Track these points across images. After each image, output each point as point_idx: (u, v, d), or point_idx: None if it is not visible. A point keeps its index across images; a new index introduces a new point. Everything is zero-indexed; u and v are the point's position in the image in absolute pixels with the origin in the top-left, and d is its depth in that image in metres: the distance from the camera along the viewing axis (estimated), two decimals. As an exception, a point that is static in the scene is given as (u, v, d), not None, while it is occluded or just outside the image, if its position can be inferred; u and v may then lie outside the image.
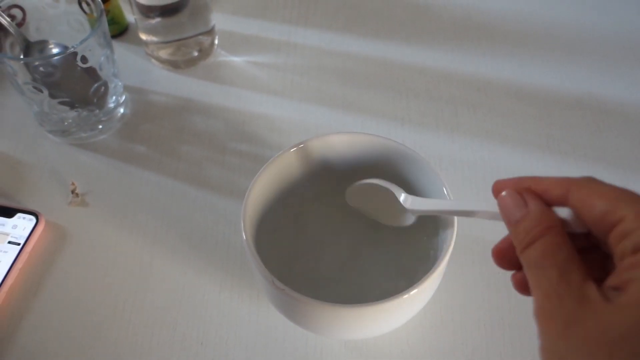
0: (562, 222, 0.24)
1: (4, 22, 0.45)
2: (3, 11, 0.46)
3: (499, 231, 0.45)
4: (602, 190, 0.23)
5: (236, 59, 0.57)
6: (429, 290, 0.34)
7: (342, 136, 0.39)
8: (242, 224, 0.34)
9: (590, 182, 0.23)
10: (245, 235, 0.34)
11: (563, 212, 0.24)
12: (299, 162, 0.39)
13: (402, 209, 0.34)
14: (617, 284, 0.20)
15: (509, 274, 0.42)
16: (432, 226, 0.39)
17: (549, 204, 0.25)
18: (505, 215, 0.26)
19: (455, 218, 0.34)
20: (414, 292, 0.31)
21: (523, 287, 0.26)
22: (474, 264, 0.43)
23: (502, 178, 0.27)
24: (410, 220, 0.35)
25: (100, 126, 0.51)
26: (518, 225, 0.24)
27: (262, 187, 0.37)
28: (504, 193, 0.26)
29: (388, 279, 0.39)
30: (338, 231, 0.42)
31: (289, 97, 0.54)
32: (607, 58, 0.56)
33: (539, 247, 0.23)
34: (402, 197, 0.35)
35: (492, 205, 0.27)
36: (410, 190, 0.39)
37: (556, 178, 0.25)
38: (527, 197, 0.25)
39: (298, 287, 0.32)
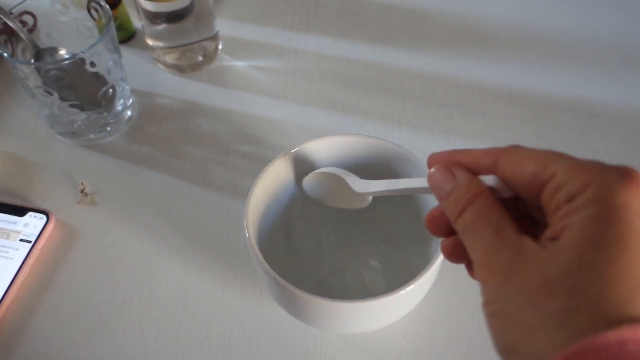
0: (490, 189, 0.24)
1: (15, 28, 0.45)
2: (15, 17, 0.46)
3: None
4: (530, 154, 0.23)
5: (239, 64, 0.57)
6: (425, 286, 0.34)
7: (342, 138, 0.39)
8: (245, 223, 0.34)
9: (517, 149, 0.24)
10: (247, 233, 0.34)
11: (488, 180, 0.24)
12: (300, 163, 0.39)
13: (355, 193, 0.34)
14: (553, 234, 0.20)
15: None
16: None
17: (479, 174, 0.25)
18: (436, 189, 0.26)
19: None
20: (410, 287, 0.31)
21: (452, 253, 0.27)
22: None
23: (436, 152, 0.27)
24: (366, 202, 0.35)
25: (109, 128, 0.51)
26: (449, 197, 0.25)
27: (264, 187, 0.37)
28: (432, 169, 0.26)
29: (386, 275, 0.39)
30: (338, 229, 0.42)
31: (290, 100, 0.54)
32: (597, 63, 0.56)
33: (471, 211, 0.23)
34: (351, 181, 0.34)
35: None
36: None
37: (484, 149, 0.25)
38: (454, 170, 0.25)
39: (299, 283, 0.32)
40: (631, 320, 0.17)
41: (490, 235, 0.22)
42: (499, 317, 0.21)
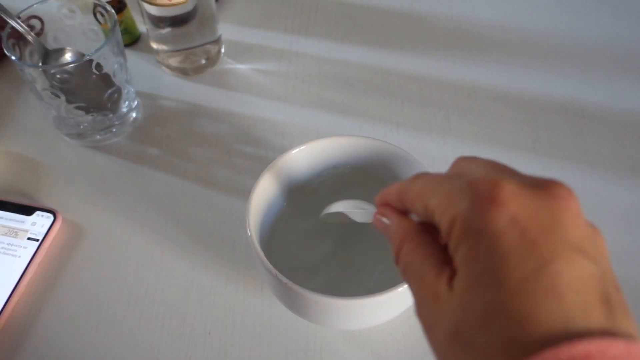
0: (419, 224, 0.23)
1: (23, 31, 0.45)
2: (23, 22, 0.46)
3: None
4: (417, 189, 0.22)
5: (241, 67, 0.57)
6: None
7: (341, 139, 0.39)
8: (247, 221, 0.34)
9: (413, 181, 0.23)
10: (250, 231, 0.34)
11: (414, 217, 0.24)
12: (301, 164, 0.39)
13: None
14: (455, 266, 0.20)
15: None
16: None
17: (405, 208, 0.24)
18: (384, 234, 0.26)
19: None
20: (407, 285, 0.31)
21: None
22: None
23: (379, 194, 0.27)
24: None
25: (114, 129, 0.51)
26: (390, 241, 0.24)
27: (265, 186, 0.37)
28: (376, 215, 0.26)
29: (384, 272, 0.39)
30: (338, 228, 0.42)
31: (291, 102, 0.54)
32: (589, 66, 0.56)
33: (401, 260, 0.23)
34: (356, 216, 0.35)
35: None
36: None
37: (396, 185, 0.24)
38: (386, 211, 0.25)
39: (299, 280, 0.32)
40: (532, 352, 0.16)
41: (415, 286, 0.21)
42: None
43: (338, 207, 0.35)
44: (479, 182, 0.19)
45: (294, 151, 0.38)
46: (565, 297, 0.17)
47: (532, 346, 0.16)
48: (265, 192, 0.37)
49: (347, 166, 0.40)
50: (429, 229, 0.23)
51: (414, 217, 0.24)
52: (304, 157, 0.39)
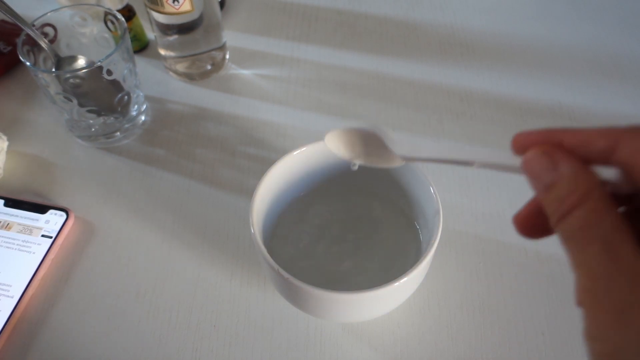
0: (604, 184, 0.18)
1: (37, 39, 0.45)
2: (37, 29, 0.46)
3: (481, 225, 0.45)
4: None
5: (245, 72, 0.57)
6: (417, 278, 0.34)
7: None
8: (251, 219, 0.34)
9: None
10: (253, 229, 0.34)
11: (609, 173, 0.18)
12: (302, 164, 0.39)
13: (387, 154, 0.28)
14: None
15: (486, 265, 0.43)
16: (420, 222, 0.39)
17: (588, 161, 0.18)
18: (533, 180, 0.19)
19: (441, 218, 0.34)
20: (403, 280, 0.31)
21: (528, 228, 0.21)
22: (457, 255, 0.43)
23: (524, 131, 0.20)
24: (400, 162, 0.28)
25: (124, 132, 0.51)
26: (549, 192, 0.18)
27: (268, 186, 0.37)
28: (529, 154, 0.19)
29: (380, 268, 0.39)
30: (336, 224, 0.42)
31: (292, 106, 0.54)
32: (576, 72, 0.56)
33: (577, 217, 0.17)
34: (392, 142, 0.27)
35: (502, 155, 0.21)
36: (402, 191, 0.39)
37: (598, 128, 0.18)
38: (557, 156, 0.19)
39: (300, 276, 0.32)
40: None
41: (600, 254, 0.16)
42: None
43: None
44: None
45: (295, 152, 0.38)
46: None
47: None
48: (268, 191, 0.37)
49: (347, 167, 0.40)
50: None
51: None
52: (305, 158, 0.39)
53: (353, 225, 0.42)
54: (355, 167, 0.31)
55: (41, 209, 0.45)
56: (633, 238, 0.16)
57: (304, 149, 0.38)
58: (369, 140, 0.29)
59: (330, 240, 0.41)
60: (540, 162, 0.19)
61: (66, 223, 0.44)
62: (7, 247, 0.43)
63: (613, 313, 0.15)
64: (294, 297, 0.34)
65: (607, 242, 0.16)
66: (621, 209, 0.18)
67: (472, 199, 0.46)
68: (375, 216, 0.42)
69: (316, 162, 0.39)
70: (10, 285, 0.41)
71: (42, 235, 0.44)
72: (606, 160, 0.18)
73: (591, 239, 0.17)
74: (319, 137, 0.39)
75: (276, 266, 0.32)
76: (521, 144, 0.20)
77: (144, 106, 0.53)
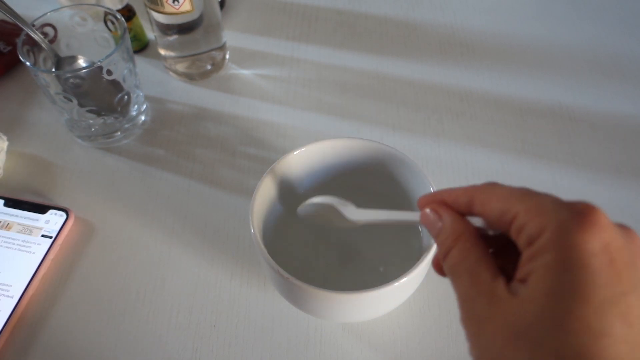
0: (475, 229, 0.23)
1: (37, 39, 0.45)
2: (37, 29, 0.46)
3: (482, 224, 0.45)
4: (498, 193, 0.22)
5: (245, 72, 0.57)
6: (417, 278, 0.34)
7: (339, 141, 0.39)
8: (251, 219, 0.34)
9: (489, 187, 0.23)
10: (253, 229, 0.34)
11: (475, 219, 0.23)
12: (301, 164, 0.39)
13: (348, 220, 0.33)
14: (521, 276, 0.20)
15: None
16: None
17: (462, 213, 0.24)
18: (429, 230, 0.25)
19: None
20: (403, 280, 0.31)
21: (440, 268, 0.26)
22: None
23: (424, 195, 0.26)
24: (358, 225, 0.33)
25: (124, 132, 0.51)
26: (437, 238, 0.24)
27: (268, 186, 0.37)
28: (426, 210, 0.25)
29: (381, 268, 0.39)
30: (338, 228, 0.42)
31: (292, 106, 0.54)
32: (576, 72, 0.56)
33: (453, 255, 0.22)
34: (346, 211, 0.33)
35: (413, 215, 0.27)
36: (402, 191, 0.39)
37: (463, 188, 0.24)
38: (441, 210, 0.24)
39: (300, 275, 0.32)
40: None
41: (466, 282, 0.21)
42: None
43: (318, 200, 0.34)
44: (578, 203, 0.20)
45: (295, 152, 0.38)
46: (634, 326, 0.18)
47: None
48: (268, 191, 0.37)
49: (346, 167, 0.40)
50: (482, 236, 0.23)
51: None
52: (305, 158, 0.39)
53: (354, 230, 0.41)
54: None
55: (41, 209, 0.45)
56: (494, 267, 0.21)
57: (304, 149, 0.38)
58: (331, 210, 0.34)
59: (331, 240, 0.41)
60: (430, 215, 0.25)
61: (66, 223, 0.44)
62: (7, 247, 0.43)
63: (475, 326, 0.20)
64: (294, 297, 0.34)
65: (472, 272, 0.21)
66: (491, 250, 0.23)
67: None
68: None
69: (316, 162, 0.39)
70: (10, 285, 0.41)
71: (42, 235, 0.44)
72: (470, 211, 0.23)
73: (462, 271, 0.22)
74: (319, 137, 0.39)
75: (276, 266, 0.32)
76: (422, 203, 0.26)
77: (144, 106, 0.53)
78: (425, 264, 0.32)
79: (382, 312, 0.36)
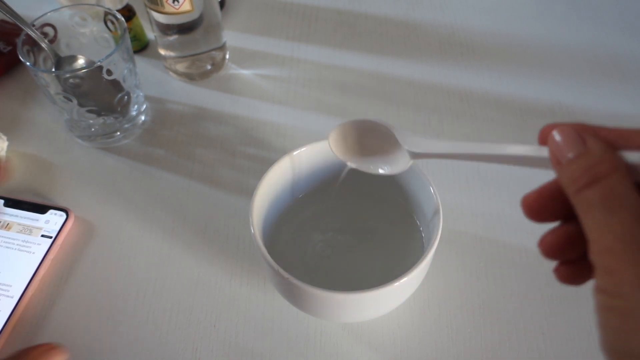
0: (629, 168, 0.18)
1: (37, 39, 0.45)
2: (37, 29, 0.46)
3: (481, 225, 0.45)
4: None
5: (245, 72, 0.57)
6: (417, 278, 0.34)
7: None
8: (251, 219, 0.34)
9: None
10: (253, 229, 0.34)
11: (634, 157, 0.18)
12: (301, 164, 0.39)
13: (393, 154, 0.27)
14: None
15: (487, 265, 0.42)
16: (420, 222, 0.39)
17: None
18: (556, 153, 0.20)
19: (441, 217, 0.34)
20: (404, 280, 0.31)
21: (571, 278, 0.22)
22: (457, 255, 0.43)
23: (554, 123, 0.20)
24: (403, 166, 0.28)
25: (124, 132, 0.51)
26: (572, 162, 0.19)
27: (268, 186, 0.37)
28: (557, 130, 0.20)
29: (380, 268, 0.39)
30: (336, 224, 0.42)
31: (292, 106, 0.54)
32: (576, 72, 0.56)
33: (604, 187, 0.18)
34: (400, 137, 0.27)
35: (521, 148, 0.21)
36: (402, 191, 0.39)
37: (637, 129, 0.19)
38: (586, 136, 0.19)
39: (300, 275, 0.32)
40: None
41: (629, 220, 0.17)
42: (623, 315, 0.17)
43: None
44: None
45: (295, 152, 0.38)
46: None
47: None
48: (268, 191, 0.37)
49: (346, 167, 0.40)
50: None
51: None
52: (305, 157, 0.39)
53: (353, 225, 0.42)
54: (350, 167, 0.31)
55: (41, 209, 0.45)
56: None
57: (304, 149, 0.38)
58: (375, 137, 0.28)
59: (330, 240, 0.41)
60: (568, 137, 0.19)
61: (66, 223, 0.44)
62: (7, 247, 0.43)
63: (636, 273, 0.16)
64: (294, 297, 0.34)
65: (636, 212, 0.17)
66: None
67: (472, 199, 0.46)
68: (375, 216, 0.41)
69: (316, 162, 0.39)
70: (10, 285, 0.41)
71: (42, 235, 0.44)
72: None
73: (621, 207, 0.17)
74: (319, 137, 0.39)
75: (276, 266, 0.32)
76: (551, 129, 0.21)
77: (144, 106, 0.53)
78: (425, 263, 0.32)
79: (383, 312, 0.36)
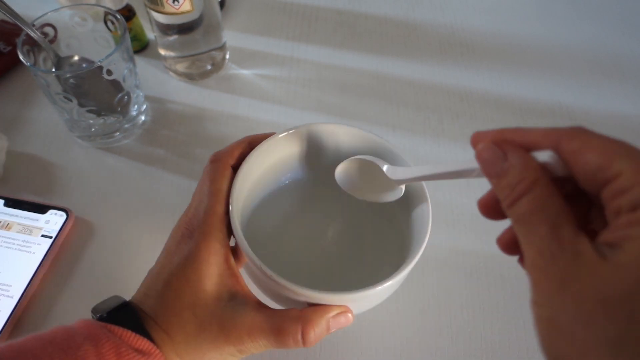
0: (544, 167, 0.20)
1: (37, 39, 0.45)
2: (37, 29, 0.46)
3: (481, 225, 0.45)
4: (595, 143, 0.19)
5: (245, 72, 0.57)
6: (401, 281, 0.32)
7: (325, 126, 0.37)
8: (233, 222, 0.32)
9: (581, 133, 0.19)
10: (236, 226, 0.32)
11: (544, 156, 0.20)
12: (286, 150, 0.37)
13: (388, 183, 0.31)
14: (612, 240, 0.17)
15: (487, 265, 0.42)
16: (408, 218, 0.38)
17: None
18: (485, 169, 0.21)
19: (430, 213, 0.32)
20: (388, 283, 0.29)
21: (509, 248, 0.23)
22: (457, 255, 0.43)
23: (481, 130, 0.22)
24: (398, 194, 0.31)
25: (124, 132, 0.51)
26: (500, 180, 0.20)
27: (250, 170, 0.35)
28: (481, 145, 0.22)
29: (369, 265, 0.38)
30: (323, 220, 0.40)
31: (292, 106, 0.54)
32: (575, 72, 0.56)
33: (527, 202, 0.19)
34: (386, 168, 0.30)
35: (474, 162, 0.23)
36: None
37: (543, 129, 0.20)
38: (506, 148, 0.21)
39: (284, 273, 0.30)
40: None
41: (546, 234, 0.18)
42: (550, 324, 0.18)
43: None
44: None
45: (281, 135, 0.36)
46: None
47: None
48: (249, 178, 0.35)
49: (332, 156, 0.38)
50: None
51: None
52: (289, 143, 0.37)
53: (340, 219, 0.40)
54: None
55: (41, 209, 0.45)
56: (574, 222, 0.19)
57: (291, 131, 0.36)
58: (368, 172, 0.32)
59: (316, 235, 0.39)
60: (491, 152, 0.21)
61: (66, 223, 0.44)
62: (7, 247, 0.43)
63: (555, 283, 0.18)
64: (277, 295, 0.32)
65: (552, 223, 0.19)
66: None
67: (472, 199, 0.46)
68: (364, 209, 0.40)
69: (301, 150, 0.38)
70: (10, 285, 0.41)
71: (42, 235, 0.44)
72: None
73: (539, 222, 0.19)
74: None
75: (259, 262, 0.30)
76: (476, 142, 0.22)
77: (144, 106, 0.53)
78: (407, 272, 0.30)
79: (366, 309, 0.34)
